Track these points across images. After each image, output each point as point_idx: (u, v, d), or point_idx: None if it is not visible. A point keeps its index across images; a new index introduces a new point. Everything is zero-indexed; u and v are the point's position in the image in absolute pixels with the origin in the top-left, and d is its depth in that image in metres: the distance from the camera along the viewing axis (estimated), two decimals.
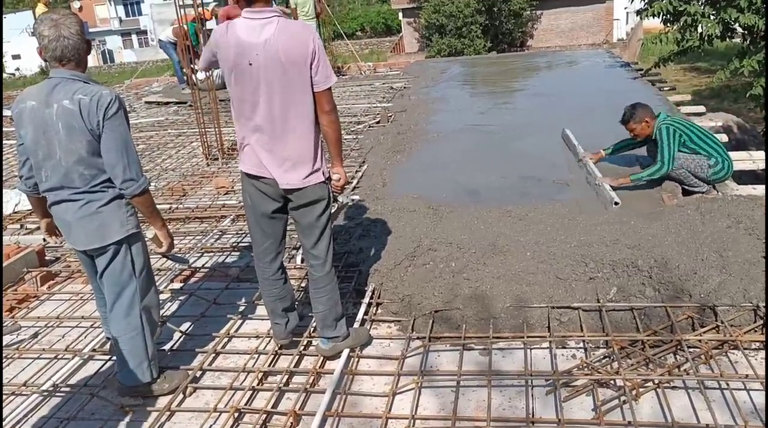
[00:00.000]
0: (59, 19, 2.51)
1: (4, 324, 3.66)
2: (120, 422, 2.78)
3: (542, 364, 2.94)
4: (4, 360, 3.30)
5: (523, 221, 4.10)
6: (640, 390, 2.64)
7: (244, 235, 4.72)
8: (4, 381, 3.10)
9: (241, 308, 3.69)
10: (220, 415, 2.74)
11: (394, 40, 30.53)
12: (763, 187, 4.53)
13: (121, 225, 2.67)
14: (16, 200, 5.78)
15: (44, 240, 4.55)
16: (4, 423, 2.77)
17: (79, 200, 2.61)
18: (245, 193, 2.92)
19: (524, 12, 25.21)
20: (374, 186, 5.31)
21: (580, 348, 3.07)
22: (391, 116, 8.06)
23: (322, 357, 3.10)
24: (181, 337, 3.43)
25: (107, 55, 51.06)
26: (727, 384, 2.65)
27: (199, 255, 4.50)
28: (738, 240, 3.43)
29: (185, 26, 7.86)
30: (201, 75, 9.20)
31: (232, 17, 9.22)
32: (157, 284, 3.07)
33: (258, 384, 2.92)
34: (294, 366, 3.05)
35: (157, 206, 2.89)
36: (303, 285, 3.77)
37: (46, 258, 4.58)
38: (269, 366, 3.08)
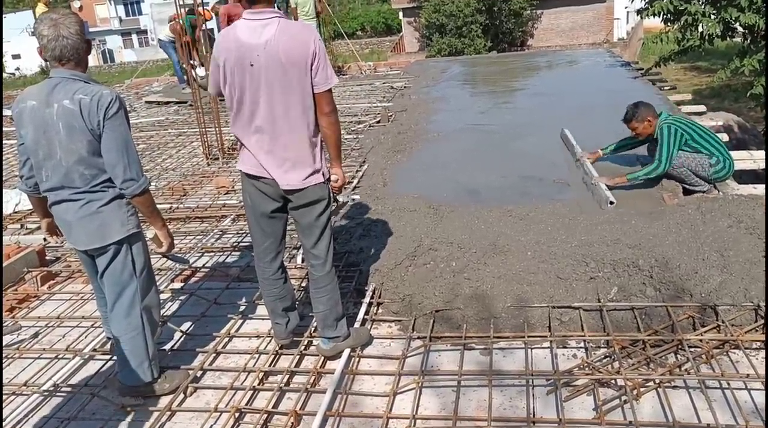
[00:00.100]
0: (59, 18, 2.51)
1: (4, 324, 3.66)
2: (121, 422, 2.78)
3: (543, 364, 2.94)
4: (4, 360, 3.30)
5: (523, 221, 4.10)
6: (641, 389, 2.64)
7: (244, 235, 4.72)
8: (5, 381, 3.11)
9: (242, 308, 3.69)
10: (220, 415, 2.74)
11: (394, 40, 30.52)
12: (764, 186, 4.53)
13: (122, 224, 2.67)
14: (17, 200, 5.78)
15: (45, 239, 4.55)
16: (4, 423, 2.77)
17: (79, 200, 2.61)
18: (245, 193, 2.92)
19: (524, 11, 25.19)
20: (375, 185, 5.31)
21: (581, 347, 3.06)
22: (391, 116, 8.06)
23: (322, 357, 3.09)
24: (181, 337, 3.43)
25: (107, 55, 51.04)
26: (728, 384, 2.65)
27: (199, 254, 4.50)
28: (739, 239, 3.43)
29: (181, 22, 7.86)
30: (201, 71, 9.20)
31: (232, 16, 9.22)
32: (157, 284, 3.07)
33: (259, 384, 2.92)
34: (295, 366, 3.05)
35: (158, 206, 2.89)
36: (303, 284, 3.77)
37: (47, 258, 4.58)
38: (270, 365, 3.08)
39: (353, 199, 4.91)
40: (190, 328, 3.53)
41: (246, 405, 2.78)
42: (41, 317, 3.79)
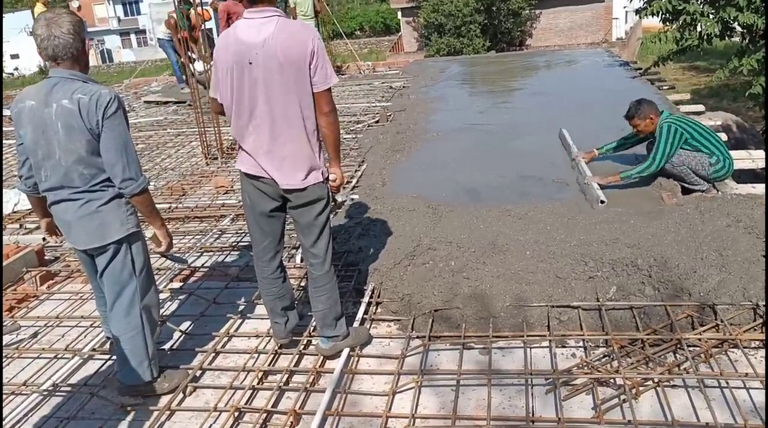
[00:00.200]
0: (52, 18, 2.51)
1: (3, 324, 3.66)
2: (120, 421, 2.78)
3: (542, 363, 2.94)
4: (3, 360, 3.30)
5: (522, 220, 4.10)
6: (640, 388, 2.64)
7: (243, 235, 4.72)
8: (4, 380, 3.10)
9: (241, 307, 3.69)
10: (220, 414, 2.74)
11: (393, 40, 30.52)
12: (763, 185, 4.53)
13: (121, 224, 2.67)
14: (15, 200, 5.78)
15: (44, 239, 4.55)
16: (4, 422, 2.77)
17: (78, 199, 2.61)
18: (244, 193, 2.92)
19: (523, 11, 25.19)
20: (373, 185, 5.31)
21: (580, 347, 3.07)
22: (390, 115, 8.07)
23: (321, 357, 3.10)
24: (181, 336, 3.43)
25: (106, 55, 51.00)
26: (727, 383, 2.66)
27: (198, 254, 4.50)
28: (737, 239, 3.43)
29: (174, 16, 7.85)
30: (199, 66, 9.16)
31: (231, 13, 9.23)
32: (156, 283, 3.07)
33: (258, 384, 2.92)
34: (294, 366, 3.05)
35: (157, 205, 2.89)
36: (303, 284, 3.77)
37: (46, 257, 4.58)
38: (269, 365, 3.08)
39: (352, 199, 4.91)
40: (190, 328, 3.53)
41: (245, 404, 2.78)
42: (40, 317, 3.79)
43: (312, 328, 3.27)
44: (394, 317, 3.43)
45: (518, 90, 9.88)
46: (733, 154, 4.85)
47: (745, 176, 5.38)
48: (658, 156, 4.46)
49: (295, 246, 4.30)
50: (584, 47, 20.73)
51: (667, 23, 9.46)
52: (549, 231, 3.88)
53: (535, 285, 3.34)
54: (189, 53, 7.83)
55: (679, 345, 2.91)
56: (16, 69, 41.61)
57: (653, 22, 10.22)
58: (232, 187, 5.96)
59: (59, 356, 3.32)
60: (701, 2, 9.01)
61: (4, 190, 5.77)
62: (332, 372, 2.92)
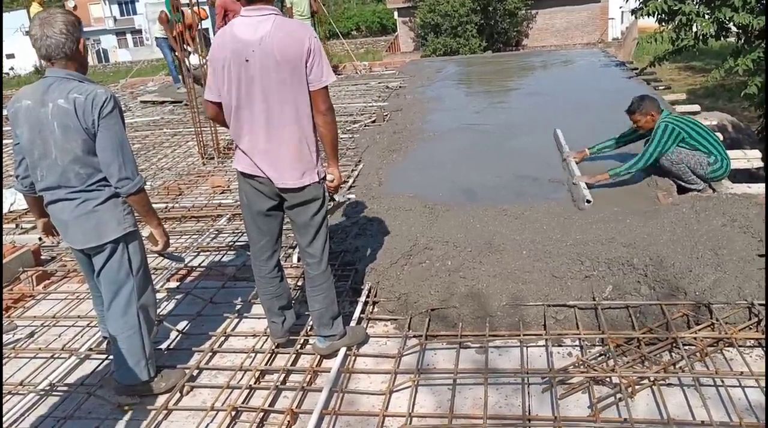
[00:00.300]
0: (46, 17, 2.51)
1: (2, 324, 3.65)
2: (117, 421, 2.78)
3: (538, 362, 2.95)
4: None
5: (518, 220, 4.11)
6: (636, 387, 2.65)
7: (240, 234, 4.72)
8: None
9: (238, 307, 3.69)
10: (217, 414, 2.74)
11: (389, 40, 30.56)
12: (758, 185, 4.55)
13: (118, 223, 2.67)
14: (11, 200, 5.76)
15: (40, 239, 4.54)
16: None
17: (75, 199, 2.61)
18: (241, 192, 2.92)
19: (519, 11, 25.22)
20: (370, 185, 5.31)
21: (576, 345, 3.08)
22: (386, 115, 8.07)
23: (318, 356, 3.10)
24: (177, 336, 3.43)
25: (102, 55, 50.87)
26: (722, 381, 2.67)
27: (195, 254, 4.50)
28: (733, 238, 3.45)
29: (164, 9, 7.81)
30: (195, 59, 9.14)
31: (228, 10, 9.22)
32: (153, 283, 3.07)
33: (255, 383, 2.92)
34: (291, 365, 3.06)
35: (153, 205, 2.89)
36: (300, 283, 3.77)
37: (42, 257, 4.57)
38: (266, 364, 3.08)
39: (349, 199, 4.91)
40: (186, 327, 3.52)
41: (242, 403, 2.78)
42: (37, 316, 3.78)
43: (309, 327, 3.27)
44: (391, 316, 3.44)
45: (514, 90, 9.89)
46: (729, 153, 4.87)
47: (740, 176, 5.40)
48: (647, 153, 4.47)
49: (292, 246, 4.30)
50: (580, 47, 20.78)
51: (663, 23, 9.48)
52: (545, 230, 3.89)
53: (531, 284, 3.35)
54: (185, 47, 7.79)
55: (674, 344, 2.92)
56: (12, 69, 41.49)
57: (649, 23, 10.24)
58: (228, 186, 5.95)
59: (56, 356, 3.31)
60: (697, 2, 9.03)
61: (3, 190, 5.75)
62: (329, 372, 2.92)
